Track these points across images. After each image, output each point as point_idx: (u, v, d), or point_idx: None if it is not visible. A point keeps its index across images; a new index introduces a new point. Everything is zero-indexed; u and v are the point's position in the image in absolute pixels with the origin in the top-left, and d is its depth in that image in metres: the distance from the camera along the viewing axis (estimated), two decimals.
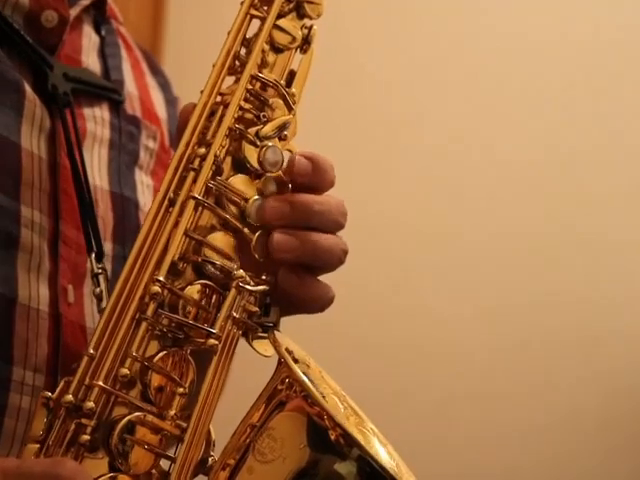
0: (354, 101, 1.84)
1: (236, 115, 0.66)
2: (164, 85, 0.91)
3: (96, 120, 0.77)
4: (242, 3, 0.71)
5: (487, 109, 1.87)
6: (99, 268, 0.68)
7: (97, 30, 0.82)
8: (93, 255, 0.69)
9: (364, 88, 1.86)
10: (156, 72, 0.91)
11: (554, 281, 1.82)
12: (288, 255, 0.63)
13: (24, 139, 0.69)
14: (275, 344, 0.62)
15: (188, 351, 0.62)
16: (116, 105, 0.79)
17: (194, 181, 0.64)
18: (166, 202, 0.64)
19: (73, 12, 0.77)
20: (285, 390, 0.61)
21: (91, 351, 0.59)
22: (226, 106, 0.66)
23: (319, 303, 0.66)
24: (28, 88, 0.70)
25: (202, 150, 0.65)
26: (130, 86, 0.83)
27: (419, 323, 1.82)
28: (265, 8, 0.70)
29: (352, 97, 1.85)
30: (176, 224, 0.63)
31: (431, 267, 1.85)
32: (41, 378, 0.66)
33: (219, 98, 0.68)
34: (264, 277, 0.63)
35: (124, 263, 0.73)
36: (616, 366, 1.78)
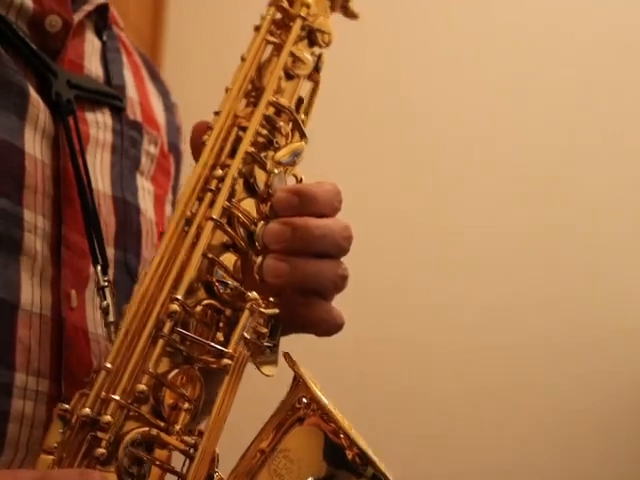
0: (356, 100, 1.84)
1: (252, 139, 0.68)
2: (163, 91, 0.91)
3: (98, 125, 0.77)
4: (257, 28, 0.73)
5: (489, 110, 1.87)
6: (105, 281, 0.68)
7: (99, 35, 0.82)
8: (99, 267, 0.69)
9: (366, 87, 1.86)
10: (155, 78, 0.92)
11: (554, 281, 1.83)
12: (277, 280, 0.65)
13: (27, 144, 0.68)
14: (294, 366, 0.63)
15: (197, 369, 0.63)
16: (118, 111, 0.79)
17: (211, 202, 0.65)
18: (182, 222, 0.65)
19: (76, 17, 0.77)
20: (302, 410, 0.62)
21: (108, 365, 0.60)
22: (241, 128, 0.68)
23: (324, 326, 0.68)
24: (33, 92, 0.70)
25: (219, 172, 0.66)
26: (131, 91, 0.83)
27: (420, 323, 1.82)
28: (279, 33, 0.73)
29: (354, 96, 1.84)
30: (193, 244, 0.64)
31: (432, 267, 1.85)
32: (44, 383, 0.66)
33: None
34: (272, 299, 0.64)
35: (125, 269, 0.74)
36: (616, 366, 1.79)
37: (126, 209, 0.77)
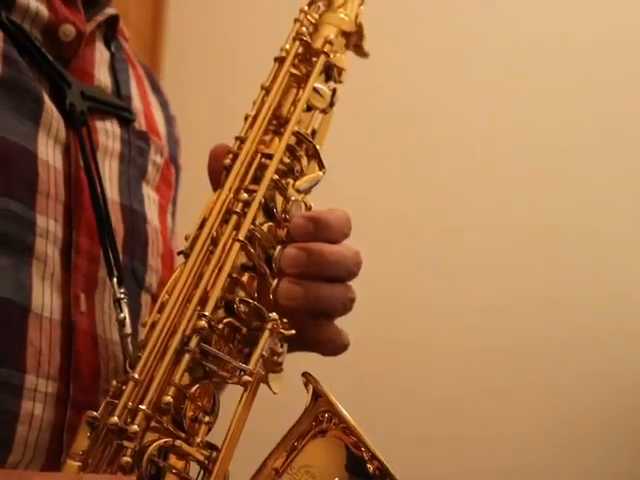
0: (356, 100, 1.84)
1: (277, 167, 0.71)
2: (163, 103, 0.93)
3: (107, 133, 0.77)
4: (278, 60, 0.76)
5: (488, 111, 1.87)
6: (121, 293, 0.70)
7: (107, 45, 0.83)
8: (115, 280, 0.70)
9: (366, 89, 1.86)
10: (156, 90, 0.93)
11: (555, 281, 1.83)
12: (291, 302, 0.68)
13: (41, 149, 0.69)
14: (316, 384, 0.65)
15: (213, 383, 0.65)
16: (126, 122, 0.80)
17: (237, 224, 0.68)
18: (209, 241, 0.68)
19: (88, 27, 0.78)
20: (323, 425, 0.64)
21: (136, 376, 0.62)
22: (264, 155, 0.71)
23: (331, 346, 0.72)
24: (47, 99, 0.70)
25: (244, 196, 0.69)
26: (136, 102, 0.84)
27: (420, 323, 1.83)
28: (300, 65, 0.76)
29: (353, 98, 1.84)
30: (219, 264, 0.66)
31: (432, 267, 1.85)
32: (54, 385, 0.66)
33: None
34: (285, 320, 0.66)
35: (132, 276, 0.75)
36: (616, 366, 1.79)
37: (133, 217, 0.77)
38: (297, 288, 0.68)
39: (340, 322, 0.73)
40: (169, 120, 0.92)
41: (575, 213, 1.84)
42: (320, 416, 0.64)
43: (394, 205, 1.86)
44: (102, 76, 0.80)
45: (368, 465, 0.61)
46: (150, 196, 0.82)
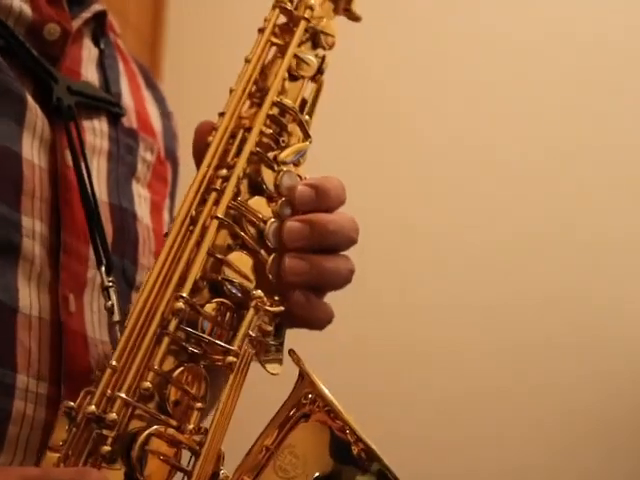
0: (357, 101, 1.84)
1: (257, 139, 0.68)
2: (159, 99, 0.92)
3: (95, 132, 0.77)
4: (261, 30, 0.73)
5: (488, 110, 1.87)
6: (109, 281, 0.68)
7: (96, 42, 0.83)
8: (103, 268, 0.69)
9: (369, 89, 1.86)
10: (151, 86, 0.92)
11: (554, 281, 1.83)
12: (298, 278, 0.66)
13: (25, 149, 0.68)
14: (299, 362, 0.63)
15: (202, 367, 0.63)
16: (115, 118, 0.79)
17: (216, 201, 0.66)
18: (187, 221, 0.65)
19: (75, 25, 0.77)
20: (307, 406, 0.62)
21: (114, 363, 0.61)
22: (247, 129, 0.69)
23: (319, 322, 0.70)
24: (30, 99, 0.70)
25: (223, 172, 0.67)
26: (127, 99, 0.83)
27: (420, 322, 1.82)
28: (283, 35, 0.73)
29: (356, 98, 1.84)
30: (198, 243, 0.64)
31: (432, 267, 1.85)
32: (44, 386, 0.66)
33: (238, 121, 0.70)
34: (276, 298, 0.65)
35: (122, 275, 0.74)
36: (616, 366, 1.79)
37: (123, 216, 0.77)
38: (302, 263, 0.66)
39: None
40: (166, 115, 0.91)
41: (575, 213, 1.84)
42: (304, 397, 0.63)
43: (393, 204, 1.86)
44: (90, 74, 0.79)
45: (352, 446, 0.60)
46: (141, 194, 0.81)
